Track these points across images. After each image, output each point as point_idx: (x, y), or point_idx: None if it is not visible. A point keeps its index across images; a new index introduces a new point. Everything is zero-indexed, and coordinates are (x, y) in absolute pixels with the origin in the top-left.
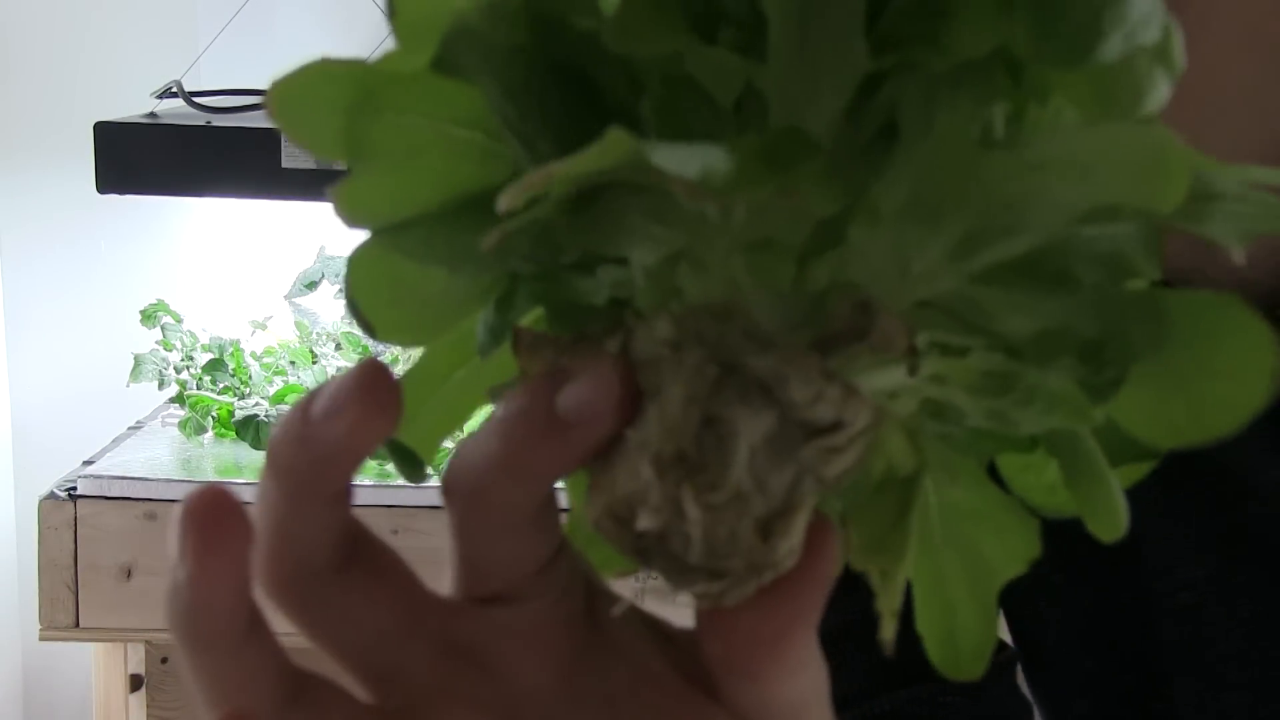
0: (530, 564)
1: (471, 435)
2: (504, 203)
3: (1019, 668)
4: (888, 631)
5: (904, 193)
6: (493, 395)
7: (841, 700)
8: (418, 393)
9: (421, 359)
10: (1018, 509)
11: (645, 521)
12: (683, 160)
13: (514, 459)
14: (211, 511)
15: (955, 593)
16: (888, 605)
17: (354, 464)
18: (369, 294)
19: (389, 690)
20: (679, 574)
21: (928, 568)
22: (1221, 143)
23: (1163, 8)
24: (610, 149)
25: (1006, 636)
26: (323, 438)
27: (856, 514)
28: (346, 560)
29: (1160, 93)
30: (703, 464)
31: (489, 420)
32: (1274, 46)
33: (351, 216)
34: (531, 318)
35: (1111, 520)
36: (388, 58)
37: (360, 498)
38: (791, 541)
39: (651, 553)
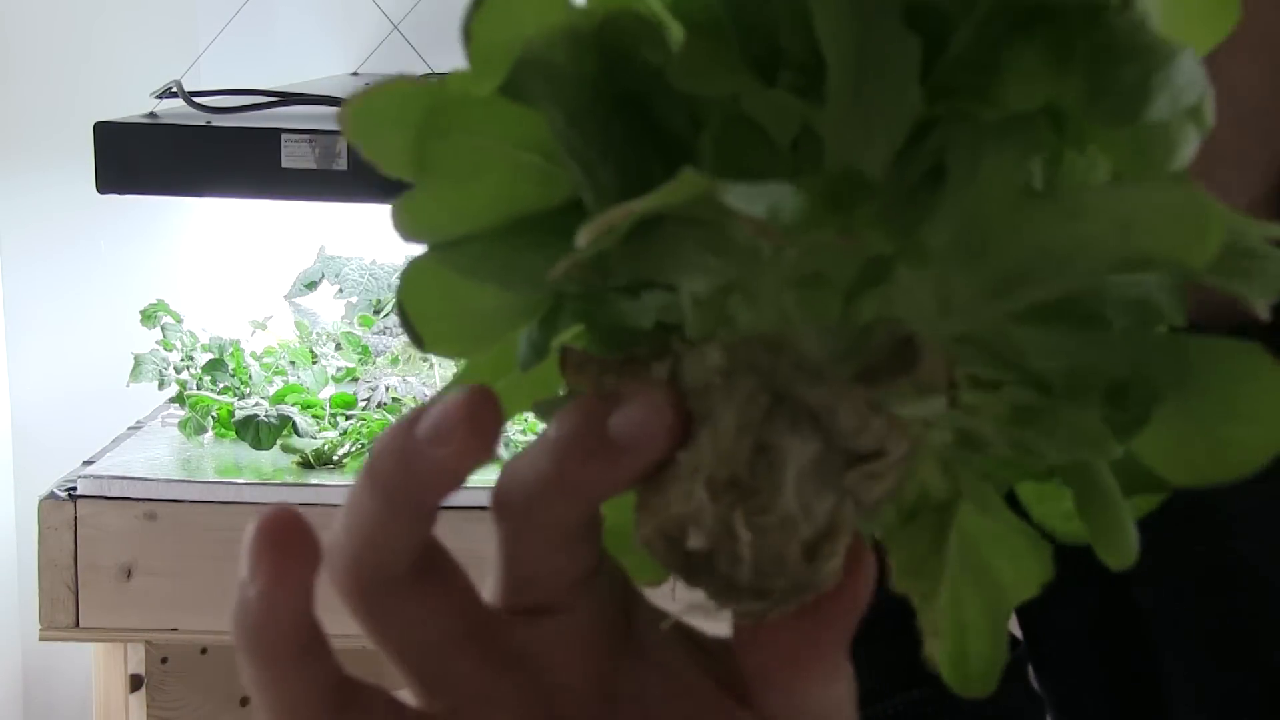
0: (573, 577)
1: (521, 453)
2: (584, 239)
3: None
4: (930, 648)
5: (949, 234)
6: (539, 410)
7: (856, 700)
8: None
9: (463, 369)
10: (1031, 534)
11: (696, 541)
12: (752, 199)
13: (566, 479)
14: (284, 533)
15: (968, 615)
16: (929, 625)
17: (453, 486)
18: (420, 306)
19: (437, 693)
20: (725, 592)
21: (944, 590)
22: (1233, 151)
23: (1203, 71)
24: (684, 187)
25: (1018, 631)
26: (427, 457)
27: (894, 538)
28: (421, 570)
29: (1191, 148)
30: (755, 489)
31: (541, 439)
32: None
33: (410, 231)
34: (571, 334)
35: (1122, 549)
36: (458, 78)
37: None
38: (834, 563)
39: (699, 571)
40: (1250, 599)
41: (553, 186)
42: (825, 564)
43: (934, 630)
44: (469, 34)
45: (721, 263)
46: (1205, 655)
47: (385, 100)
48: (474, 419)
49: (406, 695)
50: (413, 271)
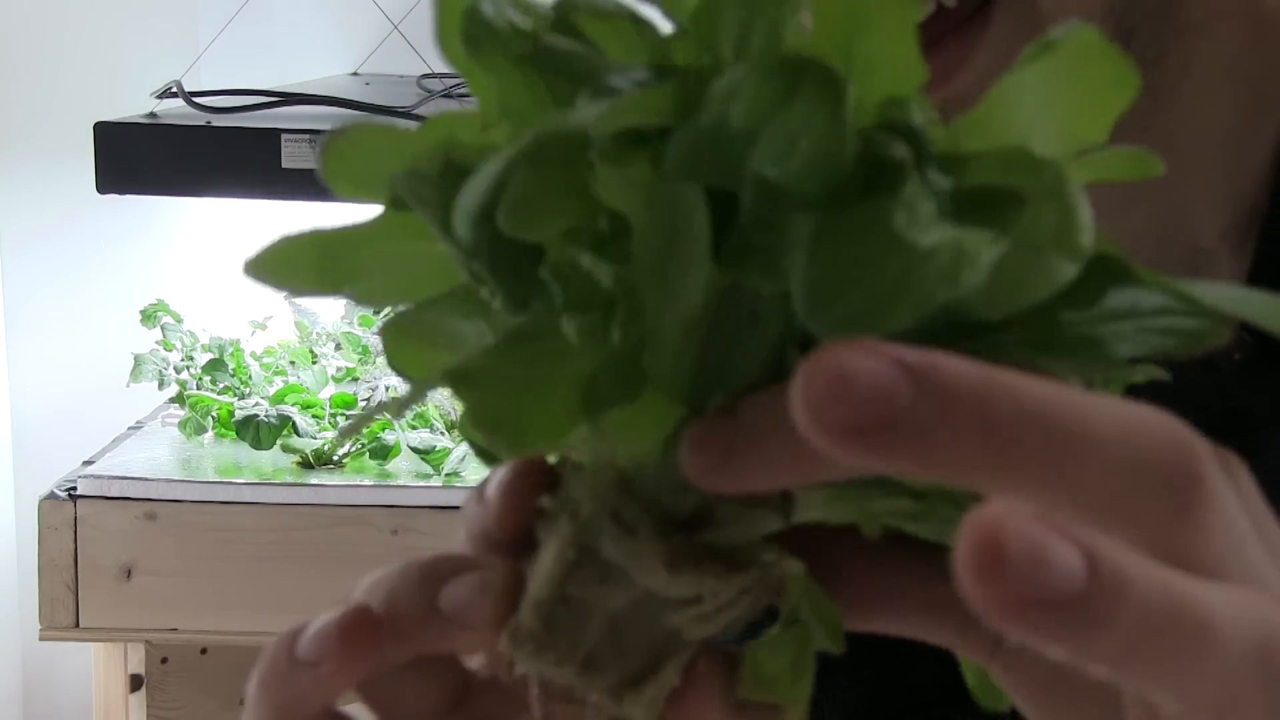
0: (436, 700)
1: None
2: (334, 438)
3: None
4: None
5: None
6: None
7: None
8: None
9: None
10: None
11: (519, 669)
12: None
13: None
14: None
15: None
16: None
17: (334, 698)
18: (407, 359)
19: None
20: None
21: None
22: (1204, 180)
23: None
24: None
25: None
26: (304, 679)
27: (760, 650)
28: None
29: (1063, 273)
30: (552, 642)
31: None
32: (1252, 85)
33: (372, 305)
34: None
35: None
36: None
37: (361, 498)
38: (645, 701)
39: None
40: None
41: None
42: (636, 703)
43: None
44: (328, 178)
45: None
46: None
47: (279, 253)
48: (348, 641)
49: None
50: (390, 332)
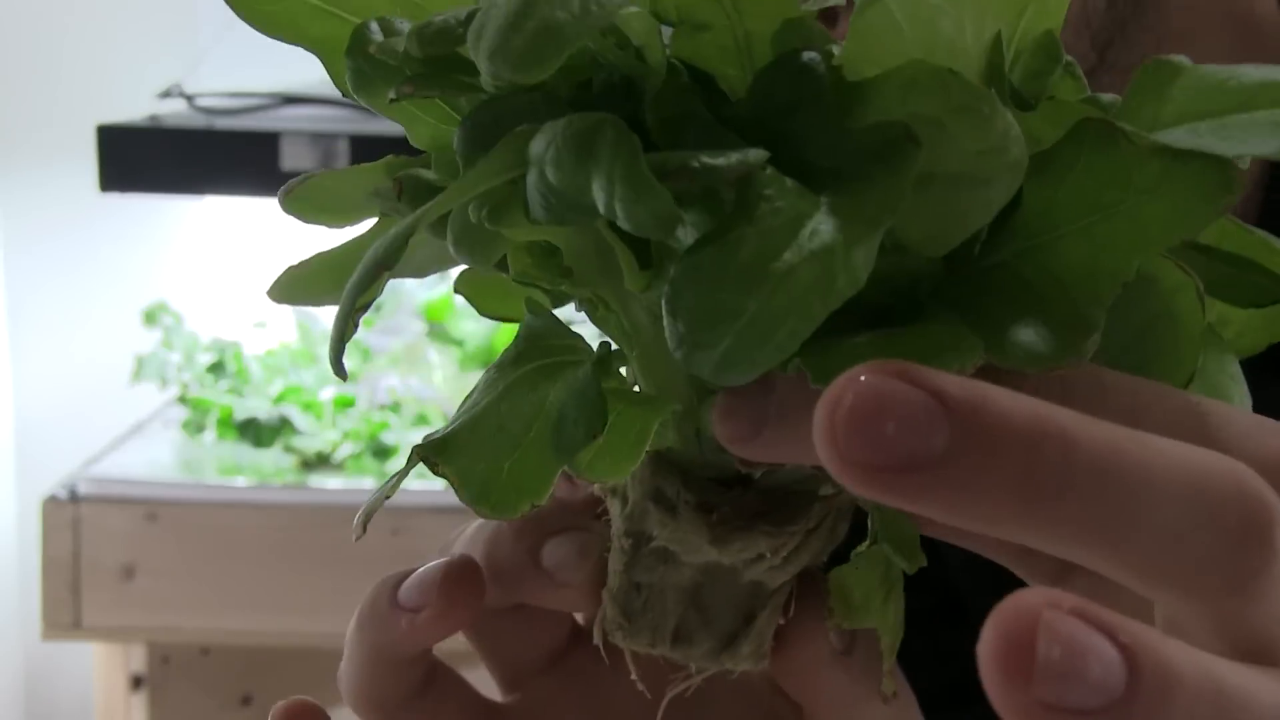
0: (536, 649)
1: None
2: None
3: None
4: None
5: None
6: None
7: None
8: None
9: None
10: None
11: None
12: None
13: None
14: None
15: None
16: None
17: (430, 643)
18: (492, 302)
19: None
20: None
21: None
22: None
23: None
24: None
25: None
26: (402, 620)
27: (845, 575)
28: (425, 685)
29: (998, 193)
30: (636, 628)
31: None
32: None
33: (419, 276)
34: None
35: None
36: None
37: (361, 498)
38: (743, 657)
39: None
40: None
41: None
42: (738, 653)
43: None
44: (292, 213)
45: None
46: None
47: (293, 278)
48: (449, 590)
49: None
50: (464, 288)
